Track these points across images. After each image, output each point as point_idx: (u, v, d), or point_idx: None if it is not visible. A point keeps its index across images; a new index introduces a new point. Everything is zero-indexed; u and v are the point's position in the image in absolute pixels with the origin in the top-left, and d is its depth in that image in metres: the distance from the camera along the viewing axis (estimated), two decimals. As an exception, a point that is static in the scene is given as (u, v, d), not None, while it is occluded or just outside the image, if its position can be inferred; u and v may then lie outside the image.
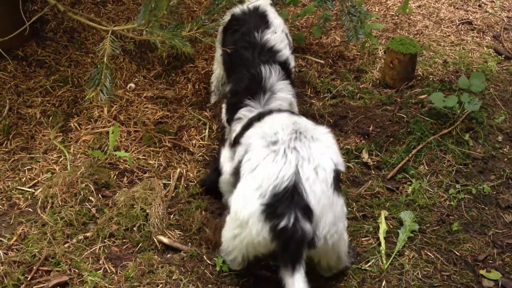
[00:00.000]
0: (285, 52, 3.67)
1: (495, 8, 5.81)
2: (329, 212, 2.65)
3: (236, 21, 3.81)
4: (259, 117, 3.14)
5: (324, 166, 2.68)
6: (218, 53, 4.03)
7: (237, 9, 3.85)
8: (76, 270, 3.02)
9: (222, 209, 3.41)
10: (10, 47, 4.33)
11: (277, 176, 2.57)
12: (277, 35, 3.68)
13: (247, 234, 2.65)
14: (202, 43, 3.47)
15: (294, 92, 3.61)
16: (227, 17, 3.89)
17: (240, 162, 2.86)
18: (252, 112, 3.35)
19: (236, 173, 2.89)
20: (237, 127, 3.34)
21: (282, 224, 2.52)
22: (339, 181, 2.83)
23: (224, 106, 3.68)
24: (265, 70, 3.46)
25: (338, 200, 2.75)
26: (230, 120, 3.52)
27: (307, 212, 2.55)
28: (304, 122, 2.95)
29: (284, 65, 3.61)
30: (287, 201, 2.53)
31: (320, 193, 2.61)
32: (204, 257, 3.14)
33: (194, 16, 5.01)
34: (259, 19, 3.74)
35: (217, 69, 4.15)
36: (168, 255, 3.18)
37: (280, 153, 2.65)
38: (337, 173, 2.75)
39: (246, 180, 2.70)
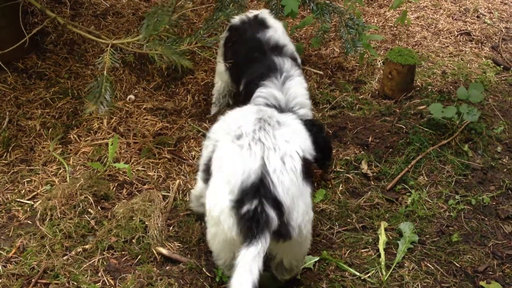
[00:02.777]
0: (290, 46, 3.81)
1: (493, 19, 5.84)
2: (300, 201, 2.61)
3: (236, 31, 3.88)
4: None
5: (291, 154, 2.64)
6: (219, 66, 4.06)
7: (235, 20, 3.93)
8: (75, 283, 3.01)
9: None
10: (10, 59, 4.36)
11: (244, 170, 2.52)
12: (278, 33, 3.83)
13: (221, 231, 2.60)
14: (202, 55, 3.48)
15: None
16: (226, 30, 3.95)
17: (209, 159, 2.86)
18: (269, 88, 3.47)
19: (207, 170, 2.88)
20: None
21: (244, 209, 2.46)
22: (308, 170, 2.77)
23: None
24: (278, 60, 3.60)
25: (307, 189, 2.72)
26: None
27: (275, 204, 2.49)
28: (270, 110, 2.95)
29: (293, 59, 3.74)
30: (253, 194, 2.48)
31: (289, 183, 2.55)
32: (204, 269, 3.13)
33: (193, 27, 5.04)
34: (258, 24, 3.87)
35: (218, 82, 4.17)
36: (167, 267, 3.17)
37: (245, 147, 2.60)
38: (305, 161, 2.71)
39: (215, 177, 2.69)
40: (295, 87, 3.54)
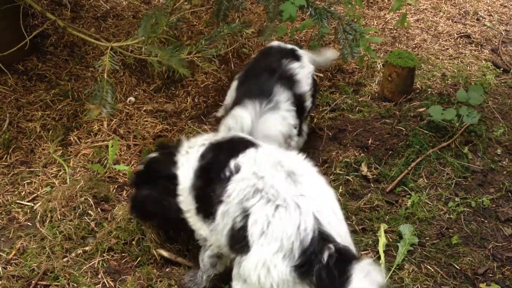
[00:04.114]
0: (306, 87, 3.66)
1: (493, 22, 5.84)
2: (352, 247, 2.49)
3: (268, 48, 3.90)
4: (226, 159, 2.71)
5: (337, 204, 2.54)
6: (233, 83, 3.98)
7: (274, 42, 3.92)
8: (75, 285, 3.02)
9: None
10: (11, 62, 4.36)
11: (297, 230, 2.34)
12: (304, 70, 3.70)
13: None
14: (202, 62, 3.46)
15: (296, 124, 3.51)
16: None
17: (237, 228, 2.54)
18: (244, 111, 3.30)
19: (235, 238, 2.57)
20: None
21: (317, 268, 2.28)
22: None
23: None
24: (277, 89, 3.46)
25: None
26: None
27: (345, 253, 2.33)
28: (284, 157, 2.71)
29: (299, 98, 3.58)
30: (319, 250, 2.30)
31: (345, 234, 2.45)
32: (203, 271, 3.13)
33: (193, 30, 5.04)
34: (291, 55, 3.77)
35: (228, 99, 4.04)
36: (167, 269, 3.17)
37: (290, 206, 2.41)
38: None
39: (259, 245, 2.41)
40: (274, 121, 3.36)
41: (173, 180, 2.91)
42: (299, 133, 3.60)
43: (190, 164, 2.85)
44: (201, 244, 2.94)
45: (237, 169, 2.64)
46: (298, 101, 3.56)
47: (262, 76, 3.57)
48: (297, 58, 3.77)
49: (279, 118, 3.40)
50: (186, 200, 2.86)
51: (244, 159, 2.67)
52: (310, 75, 3.77)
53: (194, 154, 2.88)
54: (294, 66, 3.67)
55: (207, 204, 2.71)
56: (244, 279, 2.49)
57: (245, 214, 2.51)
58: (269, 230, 2.40)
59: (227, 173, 2.64)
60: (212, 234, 2.73)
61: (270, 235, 2.39)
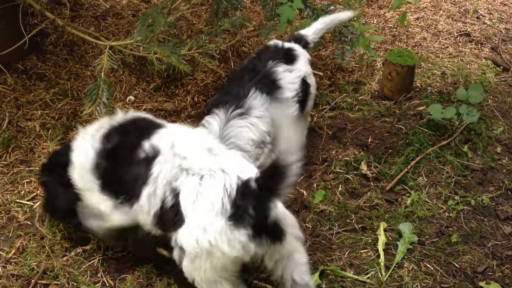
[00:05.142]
0: (288, 94, 3.47)
1: (493, 20, 5.84)
2: None
3: (264, 48, 3.75)
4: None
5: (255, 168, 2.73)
6: None
7: (272, 42, 3.76)
8: (75, 284, 3.02)
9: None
10: (10, 61, 4.36)
11: (224, 188, 2.51)
12: (291, 75, 3.51)
13: (219, 257, 2.50)
14: (202, 57, 3.43)
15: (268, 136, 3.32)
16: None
17: (168, 207, 2.65)
18: (212, 118, 3.26)
19: (165, 217, 2.67)
20: None
21: (248, 204, 2.46)
22: None
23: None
24: (252, 92, 3.32)
25: None
26: None
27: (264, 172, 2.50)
28: (197, 135, 2.90)
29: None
30: (244, 193, 2.48)
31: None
32: (203, 269, 3.12)
33: (193, 29, 5.04)
34: (282, 55, 3.58)
35: None
36: (167, 268, 3.17)
37: (216, 172, 2.57)
38: None
39: (193, 212, 2.56)
40: (242, 128, 3.21)
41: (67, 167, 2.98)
42: None
43: (89, 145, 2.88)
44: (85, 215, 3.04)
45: (156, 151, 2.73)
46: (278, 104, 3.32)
47: (243, 78, 3.42)
48: (290, 59, 3.57)
49: (248, 124, 3.24)
50: (84, 179, 2.89)
51: (160, 141, 2.77)
52: (298, 80, 3.54)
53: (93, 137, 2.91)
54: (279, 69, 3.47)
55: (116, 184, 2.81)
56: (180, 246, 2.61)
57: (175, 193, 2.63)
58: (199, 198, 2.55)
59: (142, 154, 2.73)
60: (135, 213, 2.80)
61: (201, 201, 2.54)
